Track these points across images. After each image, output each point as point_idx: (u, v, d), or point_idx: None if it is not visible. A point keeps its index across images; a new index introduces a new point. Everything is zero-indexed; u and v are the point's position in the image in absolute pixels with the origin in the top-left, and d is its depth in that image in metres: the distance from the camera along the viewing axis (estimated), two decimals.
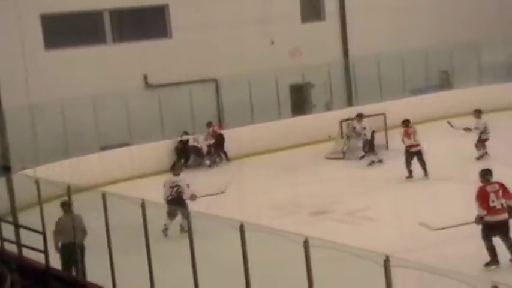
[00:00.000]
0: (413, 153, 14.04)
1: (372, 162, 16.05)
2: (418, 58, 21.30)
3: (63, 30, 18.36)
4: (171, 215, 11.24)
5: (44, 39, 17.81)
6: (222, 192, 12.10)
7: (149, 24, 19.59)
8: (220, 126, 18.91)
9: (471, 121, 15.31)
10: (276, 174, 16.22)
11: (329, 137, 18.27)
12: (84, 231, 9.33)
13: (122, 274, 8.17)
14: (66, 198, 9.45)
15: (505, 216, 8.48)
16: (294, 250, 5.70)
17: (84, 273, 9.07)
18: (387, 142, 17.55)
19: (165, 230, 11.35)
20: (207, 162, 17.81)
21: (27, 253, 9.97)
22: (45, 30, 17.85)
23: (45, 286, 8.89)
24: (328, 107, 21.06)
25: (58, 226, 9.45)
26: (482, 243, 8.66)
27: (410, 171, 14.00)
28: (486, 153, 15.08)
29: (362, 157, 16.75)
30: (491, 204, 8.45)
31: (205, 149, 17.92)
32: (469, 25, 22.42)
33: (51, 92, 16.98)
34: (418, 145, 14.10)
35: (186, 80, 19.04)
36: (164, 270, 8.01)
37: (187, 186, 11.65)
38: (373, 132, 16.49)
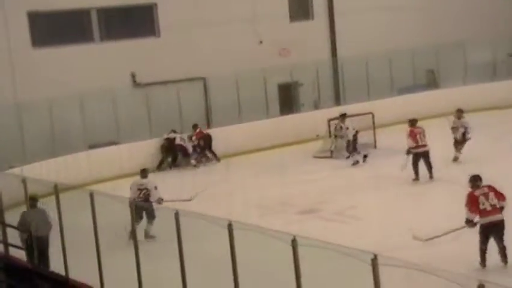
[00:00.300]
0: (419, 155, 13.47)
1: (356, 162, 16.05)
2: (405, 58, 21.43)
3: (50, 29, 18.28)
4: (137, 218, 10.77)
5: (31, 37, 17.71)
6: (189, 200, 11.86)
7: (137, 23, 19.54)
8: (207, 126, 18.74)
9: (455, 121, 15.04)
10: (264, 173, 16.24)
11: (317, 136, 18.33)
12: (49, 225, 9.40)
13: (110, 273, 8.15)
14: (34, 193, 9.80)
15: (498, 217, 8.47)
16: (282, 249, 5.72)
17: (48, 266, 9.25)
18: (375, 141, 17.65)
19: (132, 234, 11.06)
20: (193, 161, 17.74)
21: (13, 252, 9.94)
22: (32, 28, 17.75)
23: (31, 285, 8.86)
24: (316, 106, 21.13)
25: (24, 220, 9.66)
26: (469, 242, 8.73)
27: (416, 173, 13.46)
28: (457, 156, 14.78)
29: (348, 157, 16.81)
30: (482, 207, 8.50)
31: (190, 148, 17.86)
32: (455, 25, 22.57)
33: (39, 90, 16.89)
34: (424, 146, 13.53)
35: (174, 78, 19.01)
36: (152, 268, 8.01)
37: (155, 188, 11.43)
38: (356, 133, 16.42)
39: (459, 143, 14.92)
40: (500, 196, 8.57)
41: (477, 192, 8.59)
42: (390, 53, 20.93)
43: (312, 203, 12.91)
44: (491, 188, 8.64)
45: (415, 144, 13.53)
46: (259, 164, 17.27)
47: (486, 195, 8.53)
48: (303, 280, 5.73)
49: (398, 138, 17.91)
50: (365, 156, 16.12)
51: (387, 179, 14.21)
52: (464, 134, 14.87)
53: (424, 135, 13.65)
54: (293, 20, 21.43)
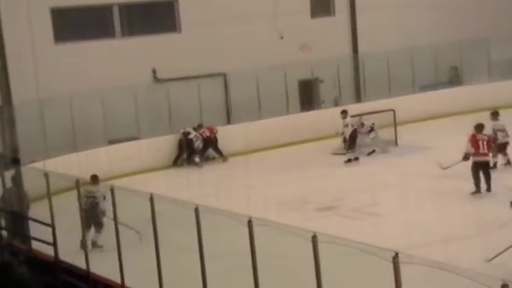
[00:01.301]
0: (479, 164, 12.10)
1: (354, 160, 16.06)
2: (427, 54, 21.22)
3: (72, 24, 18.40)
4: (87, 226, 10.49)
5: (53, 32, 17.85)
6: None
7: (158, 19, 19.60)
8: (210, 130, 17.95)
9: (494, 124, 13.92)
10: (283, 169, 16.21)
11: (337, 133, 18.24)
12: (27, 204, 10.55)
13: (131, 267, 8.20)
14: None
15: None
16: (301, 245, 5.69)
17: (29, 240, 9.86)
18: (396, 138, 17.52)
19: (83, 243, 10.15)
20: (196, 159, 17.43)
21: (36, 246, 10.04)
22: (55, 23, 17.89)
23: (54, 278, 8.94)
24: (337, 103, 21.00)
25: (6, 196, 10.67)
26: (490, 241, 8.63)
27: (478, 185, 12.05)
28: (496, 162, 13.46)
29: (370, 153, 16.75)
30: None
31: (200, 145, 17.51)
32: (478, 21, 22.29)
33: (61, 85, 17.03)
34: (486, 155, 12.28)
35: (195, 74, 19.04)
36: (172, 263, 8.03)
37: (104, 198, 10.74)
38: (354, 130, 16.36)
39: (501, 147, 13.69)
40: None
41: None
42: (412, 49, 20.74)
43: (331, 200, 12.87)
44: None
45: (473, 151, 12.18)
46: (279, 160, 17.24)
47: None
48: (323, 277, 5.70)
49: (419, 136, 17.86)
50: (356, 159, 16.08)
51: (408, 176, 14.10)
52: (496, 138, 13.55)
53: (488, 144, 12.33)
54: (314, 16, 21.33)
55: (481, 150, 12.17)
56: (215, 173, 16.71)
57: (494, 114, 14.15)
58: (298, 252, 5.90)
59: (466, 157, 12.25)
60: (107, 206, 10.46)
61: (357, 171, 15.47)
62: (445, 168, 12.67)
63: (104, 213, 10.62)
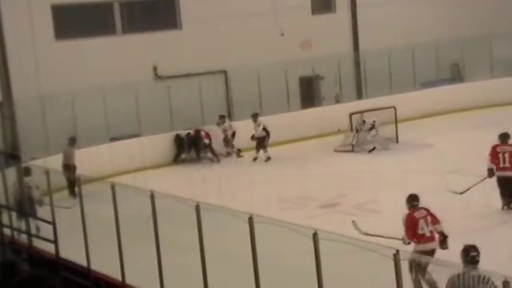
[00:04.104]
0: (504, 180, 10.62)
1: (255, 159, 16.76)
2: (428, 51, 21.19)
3: (73, 21, 18.39)
4: (20, 216, 10.48)
5: (54, 30, 17.85)
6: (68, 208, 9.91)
7: (159, 16, 19.59)
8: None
9: None
10: (285, 166, 16.21)
11: (338, 130, 18.24)
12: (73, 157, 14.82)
13: (131, 264, 8.20)
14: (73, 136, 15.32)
15: None
16: (302, 242, 5.69)
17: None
18: (397, 135, 17.51)
19: (18, 234, 10.34)
20: (209, 155, 17.58)
21: (37, 243, 10.04)
22: (55, 21, 17.89)
23: (56, 276, 8.93)
24: (338, 100, 21.00)
25: (64, 154, 14.75)
26: (492, 237, 8.61)
27: (505, 202, 10.67)
28: None
29: (371, 150, 16.74)
30: None
31: (206, 141, 17.63)
32: (480, 17, 22.26)
33: (62, 82, 17.03)
34: (507, 169, 10.65)
35: (196, 71, 19.04)
36: (173, 261, 8.03)
37: (37, 188, 10.88)
38: (268, 133, 16.96)
39: None
40: None
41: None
42: (413, 46, 20.71)
43: (333, 197, 12.86)
44: None
45: (494, 166, 10.70)
46: (280, 157, 17.23)
47: None
48: (324, 274, 5.69)
49: (421, 133, 17.84)
50: (269, 158, 16.81)
51: (409, 173, 14.08)
52: None
53: (509, 155, 10.61)
54: (315, 12, 21.31)
55: (501, 164, 10.62)
56: (216, 171, 16.70)
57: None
58: (300, 249, 5.89)
59: (490, 174, 10.76)
60: (41, 194, 10.73)
61: (357, 168, 15.46)
62: (461, 193, 11.17)
63: (40, 202, 10.66)
